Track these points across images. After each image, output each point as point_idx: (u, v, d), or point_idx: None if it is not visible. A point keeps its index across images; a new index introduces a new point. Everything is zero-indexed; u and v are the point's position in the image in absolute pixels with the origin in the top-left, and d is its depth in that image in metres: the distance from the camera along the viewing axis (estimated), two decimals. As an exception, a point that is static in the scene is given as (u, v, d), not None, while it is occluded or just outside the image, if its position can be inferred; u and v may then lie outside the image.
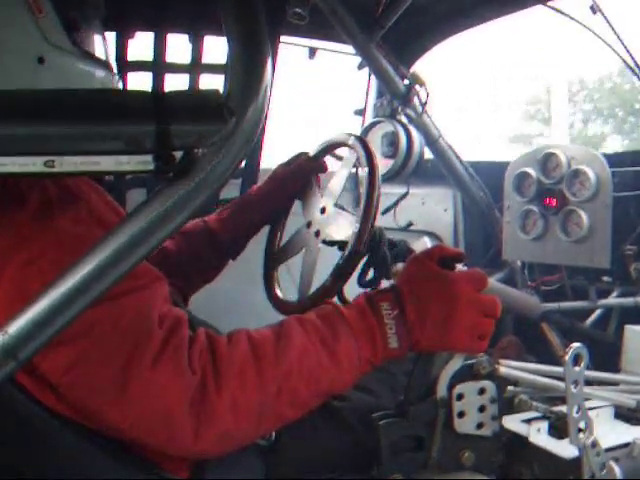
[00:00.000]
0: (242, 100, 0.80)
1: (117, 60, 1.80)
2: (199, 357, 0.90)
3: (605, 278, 2.10)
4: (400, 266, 1.27)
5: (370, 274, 1.32)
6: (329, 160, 1.58)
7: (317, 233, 1.38)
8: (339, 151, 1.57)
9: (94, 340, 0.86)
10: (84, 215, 0.91)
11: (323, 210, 1.39)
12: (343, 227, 1.31)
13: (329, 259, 1.31)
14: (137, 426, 0.88)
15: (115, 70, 1.14)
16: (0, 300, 0.86)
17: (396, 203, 2.15)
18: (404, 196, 2.14)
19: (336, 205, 1.38)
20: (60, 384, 0.88)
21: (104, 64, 1.08)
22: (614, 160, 2.00)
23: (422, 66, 2.29)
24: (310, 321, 1.01)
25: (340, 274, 1.21)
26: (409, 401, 1.10)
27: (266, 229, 1.55)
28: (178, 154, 0.77)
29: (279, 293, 1.45)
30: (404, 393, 1.12)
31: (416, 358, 1.11)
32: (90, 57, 1.05)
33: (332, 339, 0.98)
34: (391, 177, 2.07)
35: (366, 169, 1.25)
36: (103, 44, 1.12)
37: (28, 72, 0.93)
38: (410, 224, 2.00)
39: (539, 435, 1.12)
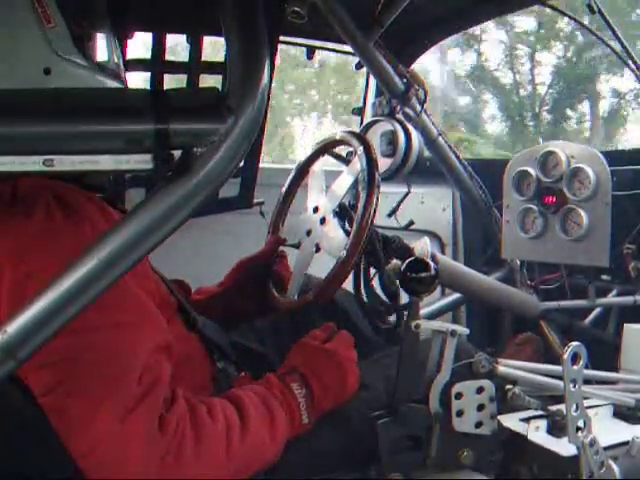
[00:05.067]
0: (241, 99, 0.80)
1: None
2: (177, 422, 0.91)
3: (604, 277, 2.10)
4: (395, 263, 1.28)
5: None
6: (329, 160, 1.58)
7: (311, 232, 1.40)
8: (342, 150, 1.58)
9: (74, 371, 0.87)
10: (88, 233, 0.90)
11: (323, 220, 1.40)
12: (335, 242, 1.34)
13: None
14: (92, 470, 0.88)
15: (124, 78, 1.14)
16: None
17: (399, 204, 2.14)
18: (405, 196, 2.14)
19: (334, 213, 1.38)
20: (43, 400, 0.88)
21: (115, 75, 1.07)
22: (614, 159, 2.00)
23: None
24: (257, 404, 1.05)
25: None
26: (397, 402, 1.10)
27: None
28: (177, 153, 0.77)
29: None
30: (392, 397, 1.12)
31: (399, 361, 1.12)
32: (101, 68, 1.04)
33: (271, 421, 1.05)
34: (390, 176, 2.07)
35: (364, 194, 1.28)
36: (115, 52, 1.11)
37: (34, 83, 0.92)
38: (411, 223, 2.00)
39: (537, 433, 1.12)
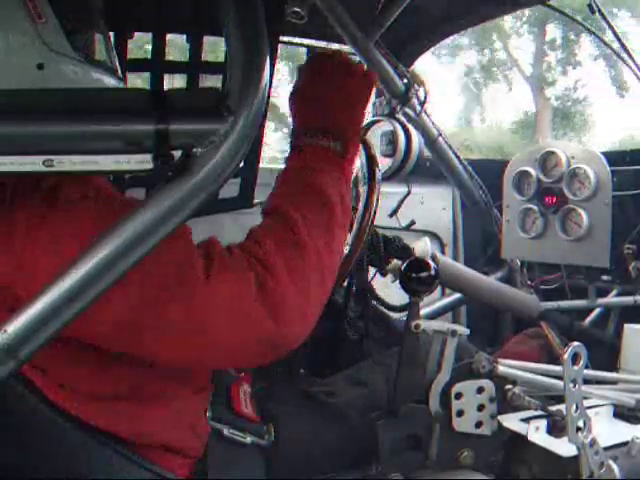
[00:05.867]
0: (241, 99, 0.80)
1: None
2: (241, 259, 0.92)
3: (604, 277, 2.10)
4: (395, 262, 1.28)
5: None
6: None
7: None
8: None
9: (149, 274, 0.86)
10: (92, 193, 0.90)
11: None
12: None
13: None
14: (215, 334, 0.90)
15: (120, 74, 1.13)
16: (42, 274, 0.81)
17: (399, 204, 2.14)
18: (406, 196, 2.14)
19: None
20: (127, 321, 0.88)
21: (110, 70, 1.07)
22: (614, 159, 2.00)
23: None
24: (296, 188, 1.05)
25: None
26: (397, 402, 1.11)
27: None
28: (177, 153, 0.77)
29: None
30: (392, 397, 1.12)
31: (398, 361, 1.12)
32: (96, 63, 1.03)
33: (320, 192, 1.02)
34: (390, 176, 2.07)
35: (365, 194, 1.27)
36: (110, 50, 1.11)
37: (28, 78, 0.92)
38: (412, 223, 1.99)
39: (538, 434, 1.12)
